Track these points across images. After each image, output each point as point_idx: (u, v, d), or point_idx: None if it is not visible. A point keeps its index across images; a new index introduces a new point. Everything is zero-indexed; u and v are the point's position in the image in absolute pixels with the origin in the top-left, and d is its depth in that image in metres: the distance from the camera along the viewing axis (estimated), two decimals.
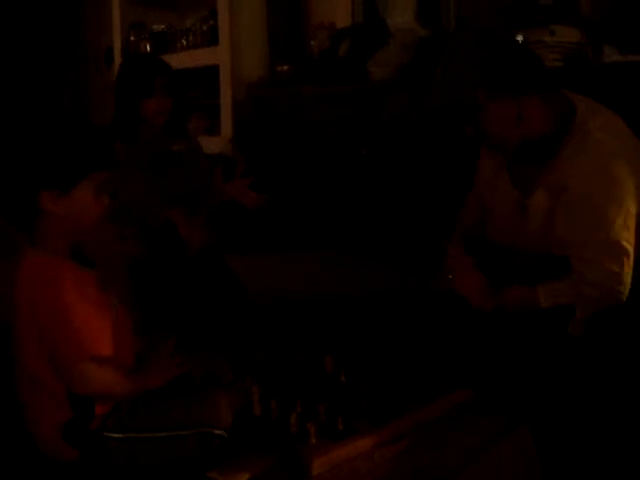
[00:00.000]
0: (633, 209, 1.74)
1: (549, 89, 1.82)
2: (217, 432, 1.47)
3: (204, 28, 5.04)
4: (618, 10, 3.20)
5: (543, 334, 1.79)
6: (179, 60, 4.81)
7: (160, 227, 2.48)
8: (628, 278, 1.74)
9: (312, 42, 4.42)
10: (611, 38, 3.08)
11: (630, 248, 1.74)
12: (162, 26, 5.44)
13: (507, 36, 1.90)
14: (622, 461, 1.65)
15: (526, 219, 1.91)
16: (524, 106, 1.77)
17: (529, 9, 3.36)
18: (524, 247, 1.95)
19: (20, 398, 1.46)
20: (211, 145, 3.91)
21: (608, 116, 1.82)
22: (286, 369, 1.99)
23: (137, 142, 2.52)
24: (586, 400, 1.71)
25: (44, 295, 1.36)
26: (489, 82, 1.75)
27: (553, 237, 1.83)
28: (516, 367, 1.82)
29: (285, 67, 4.35)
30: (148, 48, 5.47)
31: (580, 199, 1.76)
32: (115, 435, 1.42)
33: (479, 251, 2.13)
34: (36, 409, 1.42)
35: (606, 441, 1.66)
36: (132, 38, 5.61)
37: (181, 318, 2.41)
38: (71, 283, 1.37)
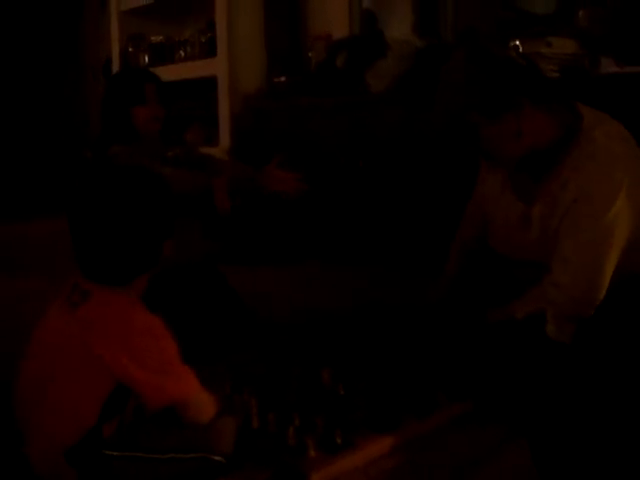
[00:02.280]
0: (631, 216, 1.73)
1: (548, 100, 1.82)
2: (216, 458, 1.47)
3: (202, 40, 5.04)
4: (615, 22, 3.21)
5: (541, 345, 1.79)
6: (177, 71, 4.83)
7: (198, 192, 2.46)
8: (601, 286, 1.74)
9: (309, 54, 4.42)
10: (608, 49, 3.09)
11: (609, 254, 1.73)
12: (160, 37, 5.45)
13: (501, 51, 1.89)
14: (620, 473, 1.64)
15: (528, 228, 1.91)
16: (523, 121, 1.77)
17: (526, 21, 3.37)
18: (527, 257, 1.95)
19: (22, 422, 1.45)
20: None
21: (614, 125, 1.82)
22: (284, 382, 1.99)
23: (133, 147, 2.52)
24: (584, 411, 1.71)
25: (145, 344, 1.39)
26: (482, 106, 1.76)
27: (554, 245, 1.82)
28: (514, 378, 1.82)
29: (283, 78, 4.35)
30: (146, 59, 5.48)
31: (579, 201, 1.76)
32: (115, 453, 1.41)
33: (481, 264, 2.13)
34: (44, 435, 1.41)
35: (604, 453, 1.65)
36: (130, 49, 5.62)
37: (178, 330, 2.41)
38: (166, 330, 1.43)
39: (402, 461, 1.62)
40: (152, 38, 5.51)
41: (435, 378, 1.91)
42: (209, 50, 4.94)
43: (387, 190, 3.62)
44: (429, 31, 4.16)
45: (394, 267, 3.39)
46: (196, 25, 5.25)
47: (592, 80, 2.99)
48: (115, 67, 5.80)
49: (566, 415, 1.71)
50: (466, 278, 2.21)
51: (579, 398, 1.72)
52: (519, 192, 1.95)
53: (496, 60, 1.80)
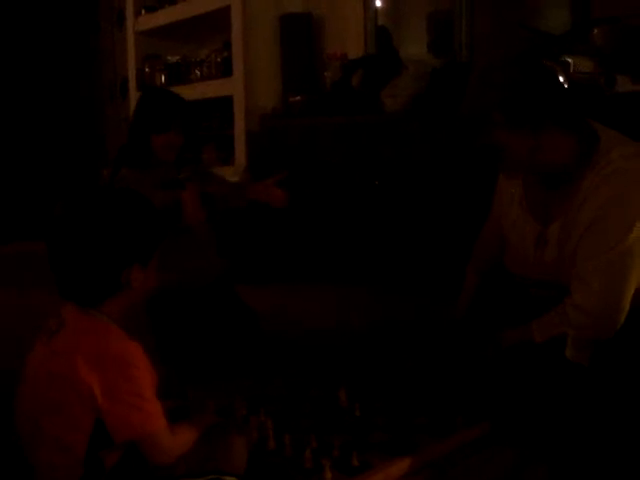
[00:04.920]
0: None
1: (572, 124, 1.81)
2: (229, 479, 1.44)
3: (218, 59, 5.08)
4: (630, 40, 3.20)
5: (559, 368, 1.77)
6: (193, 91, 4.86)
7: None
8: (622, 309, 1.72)
9: (325, 73, 4.44)
10: (624, 68, 3.08)
11: (629, 276, 1.72)
12: (176, 57, 5.50)
13: (548, 66, 1.84)
14: None
15: (544, 249, 1.90)
16: (542, 139, 1.76)
17: (541, 40, 3.37)
18: (543, 277, 1.94)
19: (30, 456, 1.42)
20: (225, 175, 3.93)
21: (632, 145, 1.80)
22: (300, 403, 1.98)
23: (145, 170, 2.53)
24: (602, 433, 1.69)
25: (115, 374, 1.34)
26: (508, 109, 1.74)
27: (570, 267, 1.81)
28: (532, 400, 1.81)
29: (298, 98, 4.36)
30: (163, 79, 5.53)
31: (594, 224, 1.75)
32: None
33: (496, 283, 2.12)
34: (53, 469, 1.38)
35: (623, 475, 1.63)
36: (147, 69, 5.67)
37: (195, 349, 2.41)
38: (141, 360, 1.38)
39: None
40: (168, 58, 5.57)
41: (453, 400, 1.90)
42: (225, 70, 4.98)
43: (404, 209, 3.62)
44: (444, 50, 4.18)
45: (409, 287, 3.38)
46: (212, 45, 5.30)
47: (608, 98, 2.98)
48: (132, 87, 5.86)
49: (584, 437, 1.69)
50: (483, 297, 2.20)
51: (597, 420, 1.71)
52: (535, 212, 1.94)
53: (539, 72, 1.77)
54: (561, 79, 1.80)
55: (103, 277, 1.41)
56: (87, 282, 1.40)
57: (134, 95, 5.74)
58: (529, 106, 1.73)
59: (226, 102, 4.90)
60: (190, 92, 4.72)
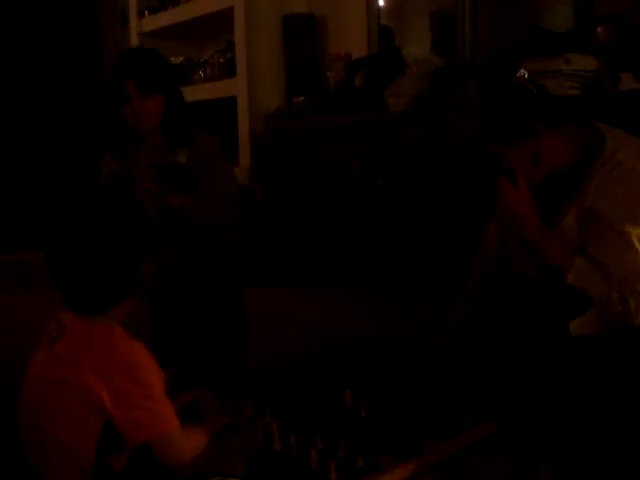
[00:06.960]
0: None
1: (563, 122, 1.81)
2: None
3: (221, 60, 5.10)
4: (634, 37, 3.20)
5: (568, 366, 1.77)
6: (197, 92, 4.87)
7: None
8: None
9: (328, 73, 4.45)
10: (627, 65, 3.08)
11: None
12: (180, 58, 5.51)
13: (512, 79, 1.87)
14: None
15: None
16: (542, 143, 1.77)
17: (544, 38, 3.36)
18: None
19: (34, 460, 1.42)
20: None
21: (638, 143, 1.80)
22: (305, 404, 1.98)
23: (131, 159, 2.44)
24: (611, 432, 1.69)
25: (122, 378, 1.33)
26: (501, 136, 1.76)
27: None
28: (539, 399, 1.80)
29: (302, 98, 4.37)
30: None
31: (613, 223, 1.74)
32: None
33: (503, 283, 2.11)
34: (55, 470, 1.38)
35: (630, 474, 1.63)
36: None
37: (196, 350, 2.40)
38: (148, 360, 1.38)
39: None
40: (172, 59, 5.56)
41: (459, 400, 1.90)
42: (228, 70, 4.99)
43: (408, 209, 3.62)
44: (447, 48, 4.18)
45: (413, 288, 3.38)
46: (215, 46, 5.31)
47: (612, 96, 2.97)
48: None
49: (591, 436, 1.69)
50: (488, 297, 2.19)
51: (605, 419, 1.70)
52: (540, 214, 1.93)
53: (511, 89, 1.79)
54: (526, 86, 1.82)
55: (126, 277, 1.40)
56: (108, 287, 1.39)
57: None
58: (516, 123, 1.74)
59: (230, 103, 4.91)
60: (194, 93, 4.73)
